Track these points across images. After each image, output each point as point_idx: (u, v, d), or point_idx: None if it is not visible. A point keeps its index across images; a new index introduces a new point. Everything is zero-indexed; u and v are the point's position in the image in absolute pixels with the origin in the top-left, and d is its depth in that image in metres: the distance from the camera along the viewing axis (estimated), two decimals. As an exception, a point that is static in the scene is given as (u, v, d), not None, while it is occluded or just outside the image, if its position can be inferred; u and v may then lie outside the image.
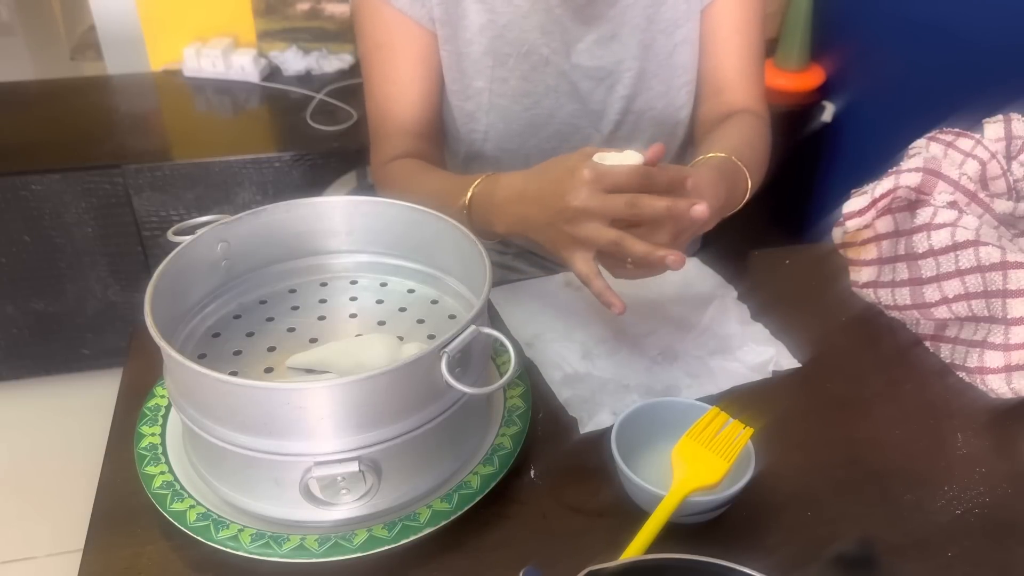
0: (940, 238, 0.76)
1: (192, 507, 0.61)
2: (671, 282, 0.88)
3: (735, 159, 0.85)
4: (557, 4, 0.92)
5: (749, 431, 0.63)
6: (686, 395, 0.74)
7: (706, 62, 0.99)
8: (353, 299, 0.75)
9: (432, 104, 0.97)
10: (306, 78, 1.92)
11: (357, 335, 0.70)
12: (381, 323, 0.72)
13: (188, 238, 0.68)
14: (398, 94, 0.95)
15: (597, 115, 0.99)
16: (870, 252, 0.84)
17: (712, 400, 0.71)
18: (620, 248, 0.69)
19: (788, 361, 0.78)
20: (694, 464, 0.61)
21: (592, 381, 0.75)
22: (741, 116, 0.97)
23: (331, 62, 1.94)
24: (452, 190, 0.82)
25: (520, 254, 1.11)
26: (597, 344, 0.79)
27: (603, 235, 0.69)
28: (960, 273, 0.75)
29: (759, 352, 0.78)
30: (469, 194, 0.81)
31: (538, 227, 0.74)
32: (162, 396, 0.70)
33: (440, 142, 1.01)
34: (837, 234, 0.88)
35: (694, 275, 0.90)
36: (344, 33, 1.95)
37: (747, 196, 0.86)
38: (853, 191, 0.83)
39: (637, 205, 0.68)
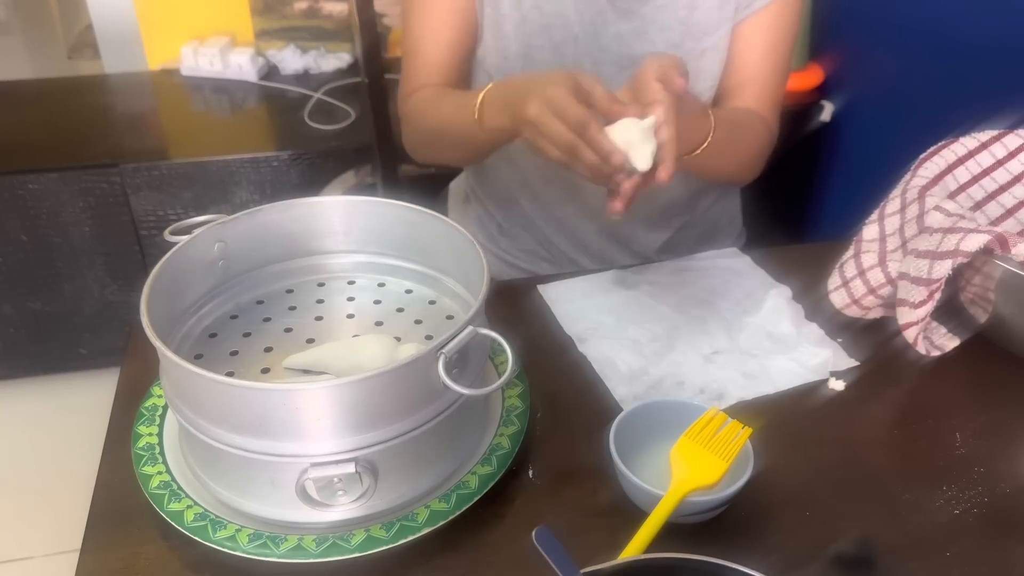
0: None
1: (189, 507, 0.61)
2: (722, 280, 0.88)
3: (708, 109, 0.85)
4: None
5: (748, 431, 0.63)
6: (741, 395, 0.74)
7: (731, 77, 0.98)
8: (351, 299, 0.75)
9: (460, 54, 1.00)
10: (304, 77, 1.92)
11: (354, 336, 0.70)
12: (379, 323, 0.72)
13: (185, 238, 0.67)
14: (432, 37, 0.98)
15: None
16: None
17: (769, 400, 0.72)
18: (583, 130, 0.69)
19: (845, 362, 0.78)
20: (693, 464, 0.61)
21: (647, 378, 0.75)
22: (747, 113, 0.97)
23: (329, 61, 1.94)
24: (465, 100, 0.86)
25: (522, 252, 1.11)
26: (650, 341, 0.80)
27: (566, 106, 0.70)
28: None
29: (815, 353, 0.78)
30: (480, 96, 0.83)
31: (520, 91, 0.75)
32: (159, 396, 0.70)
33: (464, 87, 1.04)
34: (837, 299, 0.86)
35: (746, 273, 0.90)
36: (342, 32, 1.95)
37: (705, 143, 0.84)
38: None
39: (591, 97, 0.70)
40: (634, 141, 0.69)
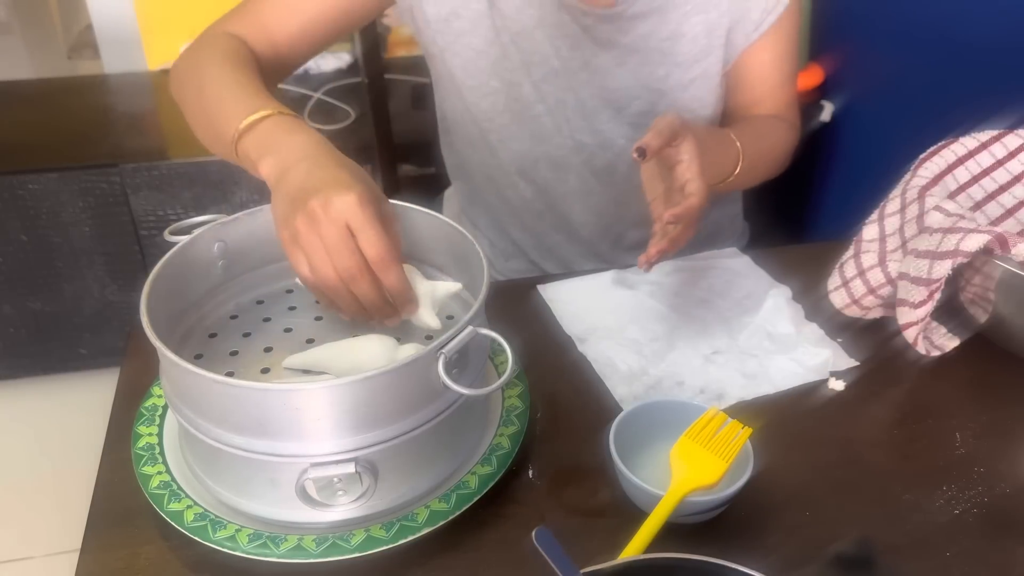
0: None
1: (189, 507, 0.61)
2: (722, 280, 0.88)
3: (731, 134, 0.84)
4: (570, 20, 0.90)
5: (748, 431, 0.63)
6: (741, 395, 0.74)
7: (745, 94, 0.97)
8: (351, 299, 0.75)
9: (309, 39, 0.88)
10: (303, 77, 1.92)
11: (354, 336, 0.70)
12: (379, 323, 0.72)
13: (185, 238, 0.67)
14: (285, 8, 0.86)
15: (601, 135, 0.97)
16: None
17: (769, 400, 0.72)
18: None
19: (845, 362, 0.78)
20: (693, 464, 0.61)
21: (647, 379, 0.75)
22: (763, 115, 0.96)
23: (328, 61, 1.94)
24: (241, 103, 0.71)
25: (513, 272, 1.10)
26: (650, 341, 0.80)
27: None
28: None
29: (815, 353, 0.78)
30: (257, 116, 0.69)
31: (295, 179, 0.63)
32: (159, 396, 0.70)
33: (287, 71, 0.91)
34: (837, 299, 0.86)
35: (746, 274, 0.90)
36: (342, 32, 1.94)
37: (737, 169, 0.84)
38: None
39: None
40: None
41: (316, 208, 0.60)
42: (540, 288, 0.88)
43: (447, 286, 0.69)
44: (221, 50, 0.81)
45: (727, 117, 1.00)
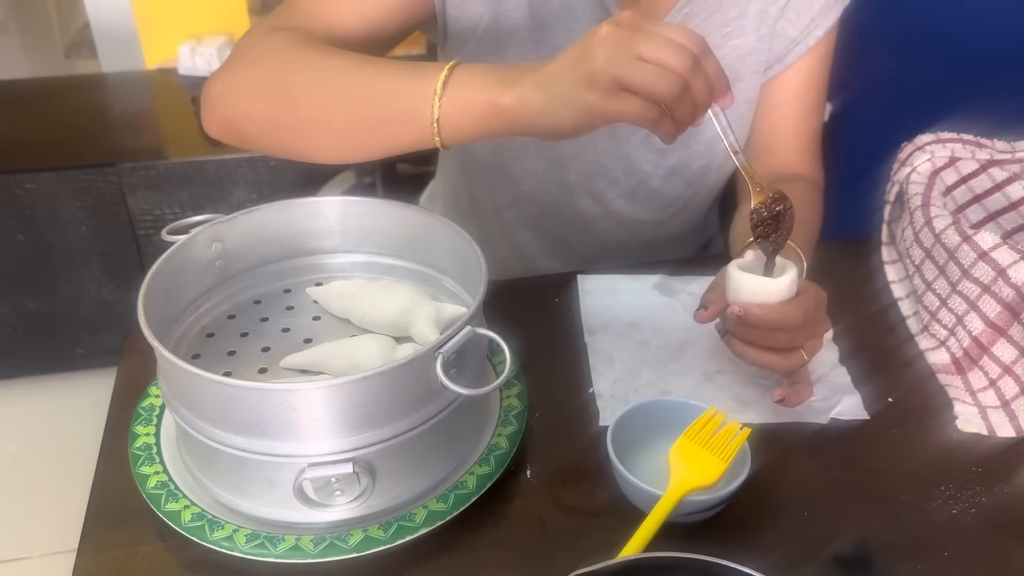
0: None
1: (187, 507, 0.60)
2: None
3: (793, 246, 0.76)
4: None
5: (746, 431, 0.63)
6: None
7: (761, 122, 0.93)
8: (348, 299, 0.75)
9: (377, 43, 0.79)
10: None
11: (352, 336, 0.70)
12: (376, 323, 0.72)
13: (182, 237, 0.67)
14: (350, 10, 0.76)
15: (628, 160, 0.94)
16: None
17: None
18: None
19: (854, 411, 0.72)
20: (691, 464, 0.61)
21: (634, 381, 0.75)
22: (794, 186, 0.88)
23: (327, 60, 1.94)
24: (402, 66, 0.65)
25: (547, 251, 1.08)
26: (658, 348, 0.78)
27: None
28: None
29: (826, 396, 0.73)
30: (446, 68, 0.62)
31: (555, 72, 0.58)
32: (156, 396, 0.70)
33: None
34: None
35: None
36: (340, 31, 1.94)
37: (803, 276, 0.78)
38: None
39: None
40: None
41: (611, 30, 0.56)
42: (580, 278, 0.87)
43: (452, 308, 0.69)
44: (316, 43, 0.71)
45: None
